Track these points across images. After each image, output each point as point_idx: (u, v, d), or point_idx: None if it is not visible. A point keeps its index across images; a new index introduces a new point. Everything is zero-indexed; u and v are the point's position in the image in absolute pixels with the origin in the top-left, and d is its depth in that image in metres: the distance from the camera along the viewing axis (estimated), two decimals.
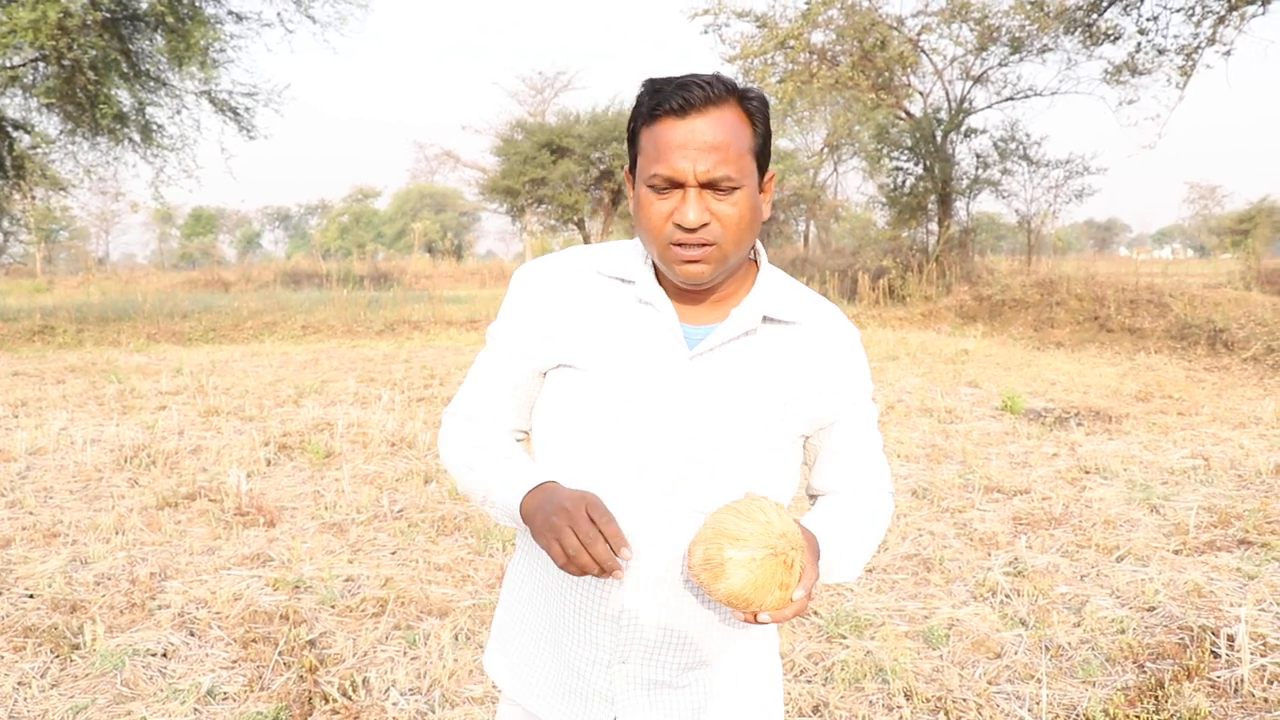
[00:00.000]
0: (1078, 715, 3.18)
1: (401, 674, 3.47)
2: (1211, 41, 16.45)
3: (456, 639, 3.77)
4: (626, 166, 1.45)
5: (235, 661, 3.58)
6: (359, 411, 8.47)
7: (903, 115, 22.04)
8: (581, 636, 1.47)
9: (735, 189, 1.33)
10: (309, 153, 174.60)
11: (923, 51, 21.11)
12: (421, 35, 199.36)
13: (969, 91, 21.49)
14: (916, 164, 21.95)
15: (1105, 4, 17.46)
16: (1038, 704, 3.23)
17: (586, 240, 29.05)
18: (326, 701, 3.28)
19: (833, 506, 1.54)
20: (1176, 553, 4.74)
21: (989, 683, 3.42)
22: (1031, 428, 7.72)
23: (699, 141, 1.30)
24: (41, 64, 16.39)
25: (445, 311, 18.53)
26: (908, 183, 22.15)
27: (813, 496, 1.64)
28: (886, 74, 20.87)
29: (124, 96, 17.34)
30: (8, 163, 17.63)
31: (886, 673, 3.46)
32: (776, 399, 1.44)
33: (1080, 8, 17.77)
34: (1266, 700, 3.25)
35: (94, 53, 15.75)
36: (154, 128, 18.15)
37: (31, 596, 4.18)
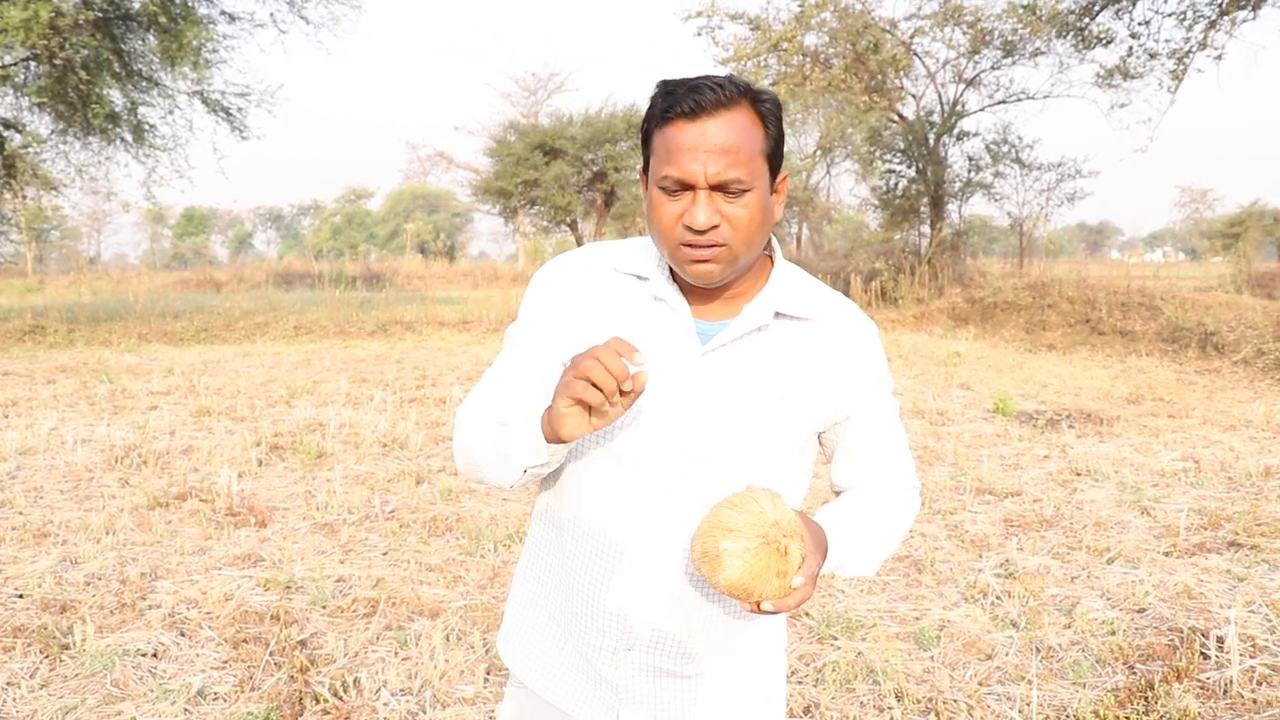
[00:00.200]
0: (1068, 716, 3.19)
1: (392, 674, 3.46)
2: (1203, 46, 16.50)
3: (448, 640, 3.77)
4: (640, 167, 1.46)
5: (226, 662, 3.57)
6: (351, 412, 8.46)
7: (895, 118, 22.08)
8: (589, 623, 1.50)
9: (746, 191, 1.33)
10: (302, 153, 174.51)
11: (915, 54, 21.15)
12: (415, 36, 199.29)
13: (961, 94, 21.55)
14: (909, 167, 21.98)
15: (1097, 8, 17.50)
16: (1028, 705, 3.24)
17: (579, 242, 29.03)
18: (317, 702, 3.27)
19: (847, 501, 1.55)
20: (1167, 555, 4.75)
21: (980, 684, 3.43)
22: (1023, 430, 7.74)
23: (709, 144, 1.31)
24: (33, 63, 16.32)
25: (438, 312, 18.50)
26: (900, 185, 22.19)
27: (836, 493, 1.64)
28: (879, 77, 20.89)
29: (116, 96, 17.28)
30: None
31: (878, 674, 3.47)
32: (785, 394, 1.45)
33: (1072, 12, 17.81)
34: (1255, 701, 3.26)
35: (86, 52, 15.68)
36: (146, 127, 18.09)
37: (21, 596, 4.17)
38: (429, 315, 18.01)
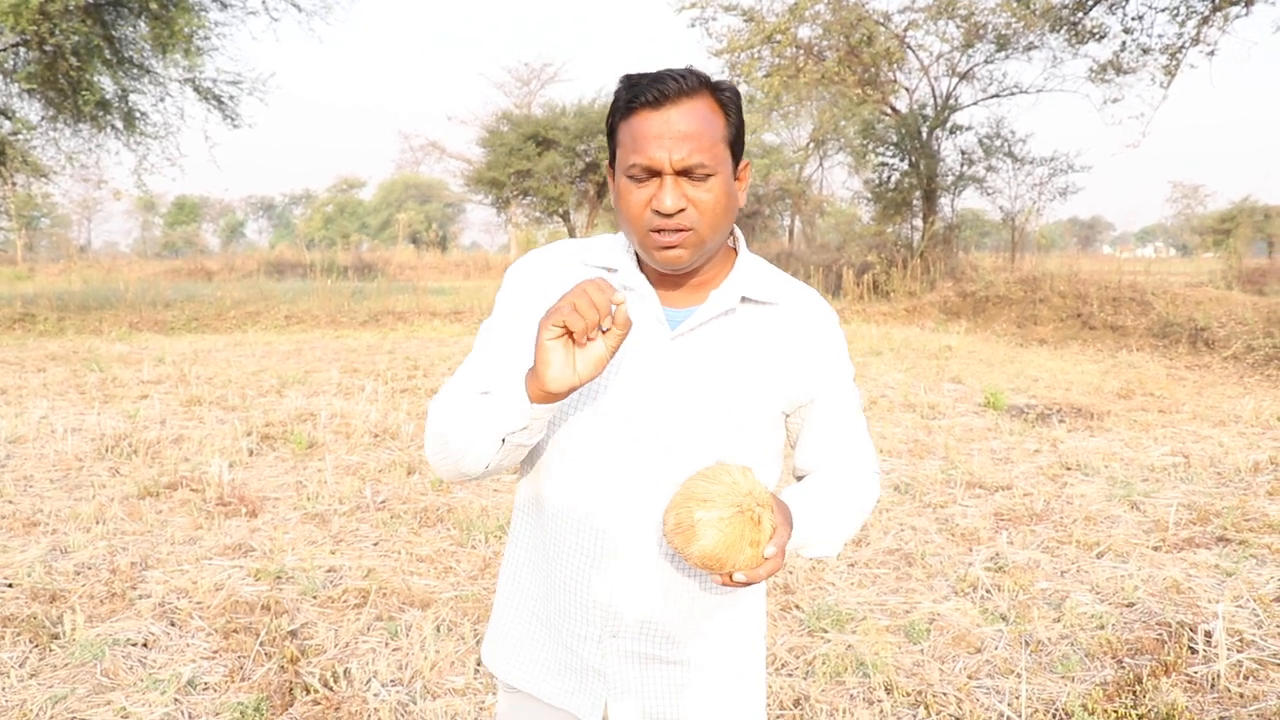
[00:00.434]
0: (1056, 710, 3.20)
1: (383, 665, 3.47)
2: (1196, 41, 16.53)
3: (438, 630, 3.77)
4: (608, 161, 1.50)
5: (216, 652, 3.57)
6: (342, 402, 8.44)
7: (888, 111, 22.08)
8: (574, 613, 1.52)
9: (710, 176, 1.38)
10: (294, 142, 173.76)
11: (909, 47, 21.14)
12: (408, 25, 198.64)
13: (955, 88, 21.56)
14: (902, 160, 22.00)
15: (1091, 2, 17.52)
16: (1017, 698, 3.25)
17: (572, 233, 29.01)
18: (308, 692, 3.27)
19: (810, 482, 1.58)
20: (1156, 549, 4.78)
21: (969, 677, 3.44)
22: (1014, 424, 7.76)
23: (674, 131, 1.36)
24: (23, 49, 16.21)
25: (429, 303, 18.47)
26: (893, 178, 22.20)
27: (798, 478, 1.67)
28: (873, 70, 20.89)
29: (107, 83, 17.18)
30: None
31: (867, 667, 3.48)
32: (753, 376, 1.49)
33: (1066, 6, 17.83)
34: (1242, 695, 3.28)
35: (76, 38, 15.58)
36: (137, 115, 17.99)
37: (10, 586, 4.16)
38: (421, 305, 17.98)
